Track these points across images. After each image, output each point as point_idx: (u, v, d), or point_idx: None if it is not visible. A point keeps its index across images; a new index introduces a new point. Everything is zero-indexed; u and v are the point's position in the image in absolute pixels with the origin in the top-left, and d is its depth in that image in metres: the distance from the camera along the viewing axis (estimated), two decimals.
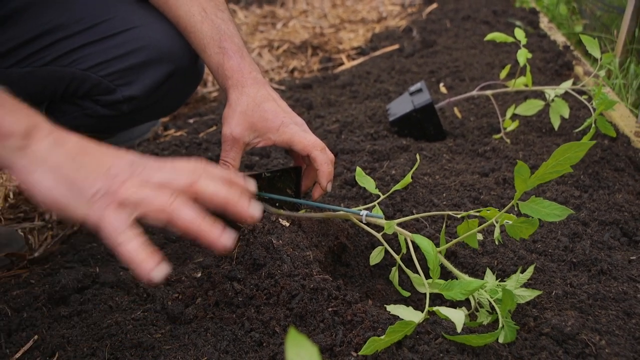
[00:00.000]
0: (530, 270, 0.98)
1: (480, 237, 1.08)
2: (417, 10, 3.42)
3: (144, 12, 1.24)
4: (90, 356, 0.95)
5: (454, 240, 0.99)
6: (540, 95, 1.86)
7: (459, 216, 1.02)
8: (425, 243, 0.89)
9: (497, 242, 1.01)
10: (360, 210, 1.08)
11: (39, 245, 1.42)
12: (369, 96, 2.16)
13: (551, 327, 0.92)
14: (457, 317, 0.82)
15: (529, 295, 0.96)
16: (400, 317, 0.86)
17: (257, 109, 1.14)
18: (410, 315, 0.85)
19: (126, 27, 1.22)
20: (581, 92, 1.65)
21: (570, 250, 1.17)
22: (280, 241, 1.04)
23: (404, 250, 1.04)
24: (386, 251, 1.08)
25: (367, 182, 1.12)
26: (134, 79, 1.23)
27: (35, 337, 1.01)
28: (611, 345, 0.89)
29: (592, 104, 1.54)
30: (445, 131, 1.77)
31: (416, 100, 1.73)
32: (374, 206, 1.12)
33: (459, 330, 0.80)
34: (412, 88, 1.79)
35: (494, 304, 0.91)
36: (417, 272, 0.98)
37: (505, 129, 1.69)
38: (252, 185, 0.85)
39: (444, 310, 0.83)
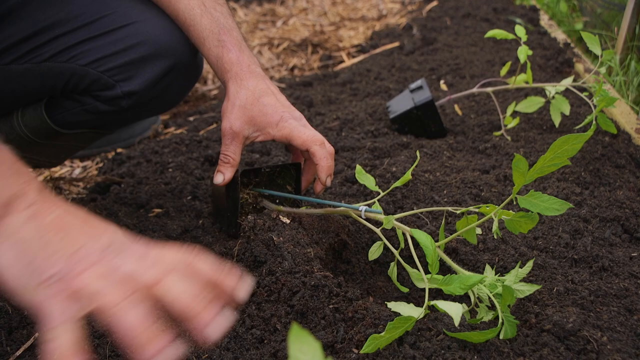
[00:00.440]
0: (529, 264, 0.98)
1: (479, 231, 1.07)
2: (417, 8, 3.42)
3: (143, 7, 1.24)
4: (91, 353, 0.94)
5: (453, 235, 0.99)
6: (541, 92, 1.86)
7: (458, 212, 1.02)
8: (423, 237, 0.88)
9: (495, 236, 1.00)
10: (360, 206, 1.07)
11: None
12: (369, 94, 2.16)
13: (553, 323, 0.92)
14: (455, 309, 0.81)
15: (528, 289, 0.95)
16: (401, 314, 0.85)
17: (257, 103, 1.13)
18: (410, 311, 0.84)
19: (125, 22, 1.22)
20: (582, 89, 1.64)
21: (572, 246, 1.17)
22: (281, 238, 1.04)
23: (402, 245, 1.04)
24: (388, 248, 1.08)
25: (367, 180, 1.11)
26: (133, 74, 1.23)
27: (36, 335, 1.01)
28: (613, 342, 0.89)
29: (592, 101, 1.54)
30: (445, 128, 1.77)
31: (416, 97, 1.73)
32: (374, 203, 1.12)
33: (456, 323, 0.80)
34: (413, 85, 1.79)
35: (493, 299, 0.90)
36: (417, 268, 0.97)
37: (505, 126, 1.68)
38: (242, 291, 0.67)
39: (442, 304, 0.83)
